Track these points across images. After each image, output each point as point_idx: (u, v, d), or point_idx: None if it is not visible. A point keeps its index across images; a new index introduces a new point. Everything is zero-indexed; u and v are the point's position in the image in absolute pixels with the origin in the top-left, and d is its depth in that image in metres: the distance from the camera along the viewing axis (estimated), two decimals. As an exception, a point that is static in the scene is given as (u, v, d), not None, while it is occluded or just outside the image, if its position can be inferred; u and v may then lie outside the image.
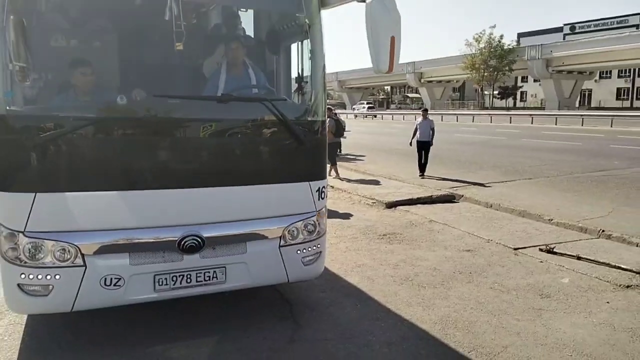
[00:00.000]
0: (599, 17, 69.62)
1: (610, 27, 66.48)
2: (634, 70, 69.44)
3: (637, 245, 6.92)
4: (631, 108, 64.68)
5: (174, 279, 3.78)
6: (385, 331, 4.36)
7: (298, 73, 4.52)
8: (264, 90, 4.56)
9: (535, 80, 72.41)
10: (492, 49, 64.92)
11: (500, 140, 24.15)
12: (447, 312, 4.77)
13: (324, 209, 4.42)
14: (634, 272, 5.76)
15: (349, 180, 12.57)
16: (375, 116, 58.78)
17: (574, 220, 8.17)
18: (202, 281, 3.87)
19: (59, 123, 3.44)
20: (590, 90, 75.67)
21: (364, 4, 3.80)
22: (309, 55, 4.28)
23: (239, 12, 4.82)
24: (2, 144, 3.42)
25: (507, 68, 65.54)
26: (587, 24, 69.63)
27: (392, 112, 69.44)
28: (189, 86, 4.25)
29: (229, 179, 3.91)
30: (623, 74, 72.44)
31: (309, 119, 4.26)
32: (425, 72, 76.66)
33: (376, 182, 12.32)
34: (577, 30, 70.12)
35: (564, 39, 68.26)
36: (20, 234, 3.41)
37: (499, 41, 65.48)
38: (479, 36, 66.66)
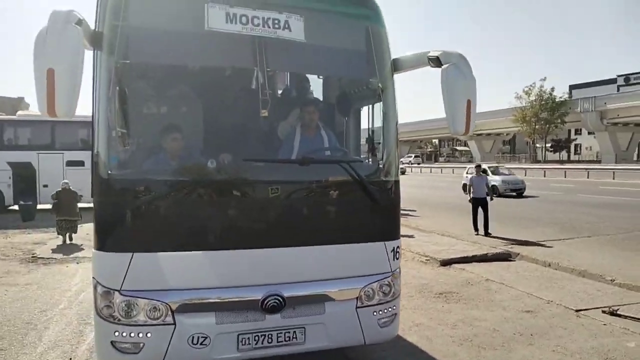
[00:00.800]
0: (655, 68, 68.04)
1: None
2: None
3: None
4: (695, 161, 61.65)
5: (256, 338, 3.80)
6: (448, 392, 4.43)
7: (372, 135, 4.64)
8: (340, 153, 4.77)
9: (589, 133, 70.67)
10: (543, 102, 64.28)
11: (556, 195, 23.66)
12: (510, 374, 4.78)
13: (398, 270, 4.40)
14: None
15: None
16: (420, 163, 59.82)
17: (637, 281, 7.96)
18: (282, 341, 3.88)
19: (155, 186, 3.63)
20: (649, 143, 72.96)
21: (439, 69, 3.92)
22: (382, 117, 4.40)
23: (318, 78, 5.15)
24: (104, 206, 3.62)
25: (559, 120, 64.48)
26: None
27: (440, 165, 69.13)
28: (270, 149, 4.38)
29: (309, 239, 3.98)
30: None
31: (384, 179, 4.30)
32: (475, 124, 76.26)
33: (429, 239, 12.36)
34: (631, 82, 68.57)
35: (618, 90, 66.81)
36: (116, 292, 3.55)
37: (550, 94, 64.86)
38: (529, 89, 66.38)
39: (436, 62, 3.96)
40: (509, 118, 66.21)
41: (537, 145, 73.18)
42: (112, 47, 3.53)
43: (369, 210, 4.18)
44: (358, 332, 4.14)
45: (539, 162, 65.07)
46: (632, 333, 5.83)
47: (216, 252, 3.76)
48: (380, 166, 4.36)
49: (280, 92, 4.99)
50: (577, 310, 6.72)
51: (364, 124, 4.88)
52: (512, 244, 11.47)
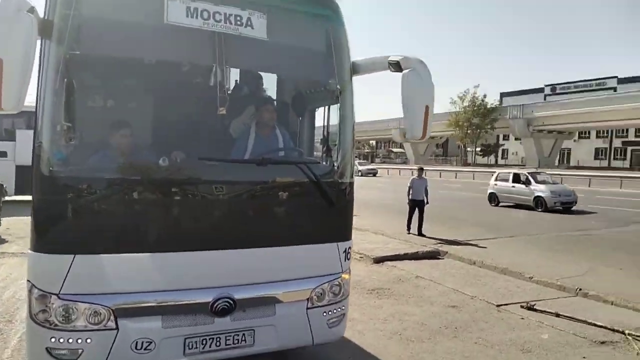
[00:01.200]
0: (579, 79, 72.76)
1: (590, 89, 69.45)
2: (612, 131, 72.12)
3: (611, 304, 7.31)
4: (609, 168, 66.67)
5: (204, 342, 3.70)
6: (377, 382, 4.63)
7: (328, 136, 4.58)
8: (296, 153, 4.71)
9: (516, 139, 74.64)
10: (475, 108, 67.23)
11: (483, 197, 24.85)
12: (434, 365, 5.06)
13: (348, 270, 4.40)
14: (608, 329, 6.13)
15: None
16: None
17: (553, 278, 8.57)
18: (230, 344, 3.80)
19: (101, 185, 3.44)
20: (569, 150, 78.07)
21: (399, 73, 3.90)
22: (339, 119, 4.34)
23: (277, 77, 5.06)
24: (45, 204, 3.40)
25: (489, 126, 67.74)
26: (568, 85, 72.73)
27: (378, 165, 70.62)
28: (226, 149, 4.22)
29: (261, 241, 3.90)
30: (601, 135, 75.10)
31: (339, 180, 4.26)
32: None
33: (363, 237, 12.68)
34: (557, 91, 73.05)
35: (545, 99, 71.02)
36: (54, 296, 3.33)
37: (482, 100, 67.99)
38: (463, 95, 69.23)
39: (396, 66, 3.96)
40: (443, 122, 68.73)
41: (468, 149, 76.47)
42: (62, 37, 3.30)
43: (323, 212, 4.16)
44: (307, 333, 4.13)
45: (469, 165, 67.95)
46: (546, 326, 6.30)
47: (164, 254, 3.60)
48: (336, 168, 4.31)
49: (238, 90, 4.92)
50: (498, 305, 7.17)
51: (320, 125, 4.84)
52: (442, 243, 11.99)
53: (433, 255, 10.67)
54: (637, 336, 5.88)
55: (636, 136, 71.54)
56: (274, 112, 4.49)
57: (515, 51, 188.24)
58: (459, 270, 9.46)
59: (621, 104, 55.53)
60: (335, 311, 4.28)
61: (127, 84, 4.33)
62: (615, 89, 65.08)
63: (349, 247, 4.42)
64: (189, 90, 4.49)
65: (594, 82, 70.20)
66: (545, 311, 6.81)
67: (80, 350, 3.39)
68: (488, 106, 68.19)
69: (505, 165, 67.17)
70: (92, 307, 3.38)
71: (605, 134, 74.49)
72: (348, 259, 4.38)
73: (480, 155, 79.34)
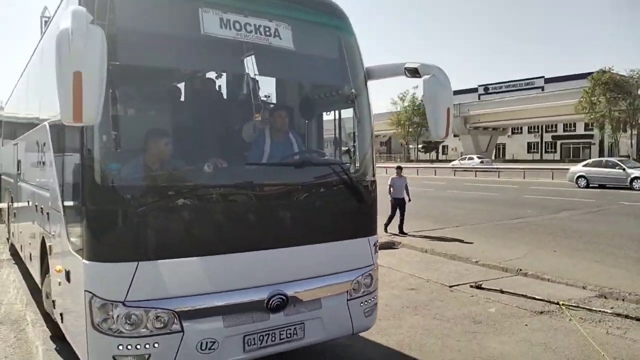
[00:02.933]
0: (509, 79, 76.60)
1: (519, 88, 73.21)
2: (542, 126, 76.56)
3: (548, 280, 8.29)
4: (541, 160, 70.85)
5: (261, 338, 3.87)
6: (356, 353, 5.26)
7: (354, 138, 4.79)
8: (326, 155, 5.06)
9: (455, 135, 77.71)
10: (415, 107, 69.53)
11: (428, 191, 26.06)
12: (402, 338, 5.77)
13: (377, 262, 4.74)
14: (545, 301, 7.05)
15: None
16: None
17: (496, 261, 9.52)
18: (285, 338, 3.99)
19: (156, 193, 3.56)
20: (504, 145, 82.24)
21: (416, 78, 4.23)
22: (357, 122, 4.65)
23: (297, 84, 5.33)
24: (103, 214, 3.45)
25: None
26: (499, 85, 76.39)
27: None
28: (266, 153, 4.36)
29: (306, 238, 4.15)
30: (533, 130, 79.52)
31: (368, 179, 4.60)
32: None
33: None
34: (490, 91, 76.50)
35: (479, 98, 74.37)
36: (119, 304, 3.36)
37: (421, 100, 70.17)
38: (403, 95, 71.44)
39: (413, 72, 4.24)
40: (386, 121, 70.63)
41: (411, 146, 78.91)
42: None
43: (355, 209, 4.48)
44: (348, 322, 4.41)
45: (412, 161, 70.21)
46: (492, 301, 7.15)
47: (220, 257, 3.74)
48: (363, 167, 4.65)
49: (269, 97, 5.14)
50: (450, 286, 7.99)
51: (343, 128, 5.08)
52: (396, 234, 12.79)
53: (389, 246, 11.44)
54: (569, 306, 6.82)
55: (564, 131, 76.39)
56: (295, 118, 4.79)
57: (451, 52, 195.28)
58: (414, 258, 10.31)
59: (549, 101, 59.43)
60: (370, 301, 4.60)
61: (169, 93, 4.54)
62: (542, 88, 69.10)
63: (377, 241, 4.74)
64: (225, 98, 4.77)
65: (523, 82, 74.11)
66: (491, 289, 7.67)
67: (146, 355, 3.46)
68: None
69: (446, 161, 69.88)
70: (157, 312, 3.45)
71: (536, 130, 79.00)
72: (376, 252, 4.70)
73: (422, 151, 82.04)
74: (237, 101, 4.71)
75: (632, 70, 52.56)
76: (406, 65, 4.29)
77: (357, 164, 4.69)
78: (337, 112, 5.04)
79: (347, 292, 4.36)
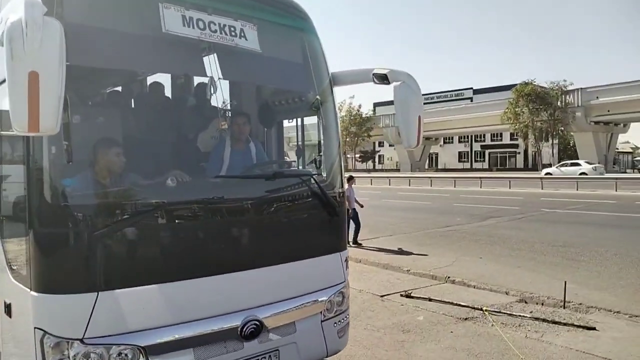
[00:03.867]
0: (440, 90, 79.73)
1: (449, 99, 76.41)
2: (471, 136, 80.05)
3: (474, 287, 8.64)
4: (471, 169, 73.95)
5: None
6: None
7: (321, 147, 4.47)
8: (292, 166, 4.72)
9: (390, 145, 79.77)
10: (352, 117, 70.81)
11: (363, 200, 26.44)
12: (332, 350, 5.78)
13: (348, 278, 4.45)
14: (470, 307, 7.33)
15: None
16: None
17: (426, 269, 9.81)
18: None
19: (119, 211, 3.13)
20: (436, 154, 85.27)
21: (391, 85, 3.94)
22: (323, 129, 4.36)
23: (262, 89, 4.92)
24: (59, 239, 2.96)
25: (366, 134, 71.76)
26: (431, 95, 79.29)
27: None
28: (223, 165, 4.01)
29: (278, 257, 3.78)
30: (463, 140, 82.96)
31: (336, 190, 4.27)
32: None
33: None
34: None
35: (411, 108, 76.52)
36: (76, 342, 2.89)
37: (358, 110, 71.82)
38: (340, 105, 72.48)
39: (381, 79, 4.00)
40: (323, 131, 71.22)
41: (348, 155, 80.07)
42: None
43: (327, 223, 4.17)
44: (322, 345, 4.09)
45: (349, 170, 71.24)
46: (421, 309, 7.35)
47: (189, 282, 3.30)
48: (332, 178, 4.32)
49: (233, 103, 4.66)
50: (381, 296, 8.14)
51: (307, 136, 4.82)
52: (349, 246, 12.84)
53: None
54: (492, 311, 7.12)
55: (492, 140, 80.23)
56: (248, 125, 4.37)
57: (382, 61, 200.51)
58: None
59: (477, 112, 62.27)
60: (342, 321, 4.29)
61: (126, 96, 4.16)
62: (471, 99, 72.46)
63: (347, 256, 4.46)
64: (188, 104, 4.40)
65: (453, 92, 77.39)
66: (420, 297, 7.88)
67: None
68: (363, 115, 72.25)
69: (382, 170, 71.50)
70: (120, 349, 3.00)
71: (466, 139, 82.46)
72: (347, 268, 4.41)
73: (360, 161, 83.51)
74: (200, 107, 4.35)
75: (552, 82, 56.19)
76: (374, 71, 4.05)
77: (325, 175, 4.37)
78: (301, 119, 4.77)
79: (320, 312, 4.06)
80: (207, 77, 3.89)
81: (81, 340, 2.91)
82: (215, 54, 3.75)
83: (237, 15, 3.73)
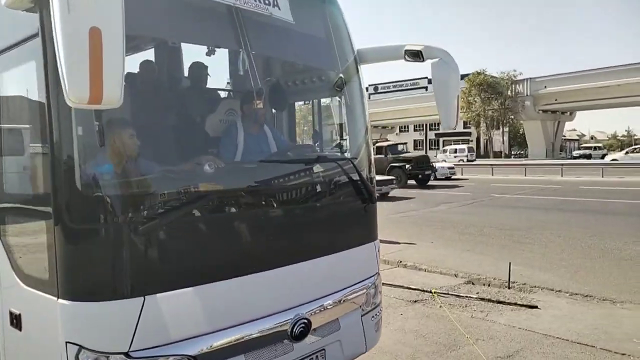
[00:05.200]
0: (397, 80, 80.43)
1: (406, 88, 77.20)
2: (426, 125, 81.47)
3: (425, 270, 8.83)
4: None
5: None
6: None
7: (352, 128, 4.16)
8: (332, 150, 4.29)
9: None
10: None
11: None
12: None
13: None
14: (420, 290, 7.50)
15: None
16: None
17: (380, 255, 9.91)
18: None
19: (156, 202, 2.69)
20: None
21: (418, 62, 3.69)
22: (351, 110, 4.08)
23: (290, 65, 4.47)
24: (97, 237, 2.51)
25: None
26: (387, 85, 79.91)
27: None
28: (266, 148, 3.66)
29: (321, 249, 3.46)
30: (418, 128, 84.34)
31: (371, 176, 3.98)
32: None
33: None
34: (379, 90, 79.80)
35: (369, 98, 77.26)
36: (121, 357, 2.45)
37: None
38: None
39: (414, 56, 3.69)
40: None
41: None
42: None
43: (364, 210, 3.85)
44: (362, 341, 3.80)
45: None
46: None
47: (238, 279, 2.93)
48: (366, 162, 3.95)
49: (263, 80, 4.04)
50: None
51: (333, 118, 4.45)
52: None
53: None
54: (440, 293, 7.31)
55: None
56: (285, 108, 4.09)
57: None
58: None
59: (431, 101, 63.05)
60: (378, 314, 4.01)
61: (159, 68, 3.71)
62: (426, 89, 73.58)
63: (379, 245, 4.15)
64: (227, 80, 4.02)
65: (409, 82, 78.23)
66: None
67: None
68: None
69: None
70: None
71: (421, 128, 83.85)
72: (379, 258, 4.13)
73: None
74: (236, 84, 3.92)
75: (502, 72, 57.85)
76: (407, 47, 3.71)
77: (360, 159, 3.92)
78: (333, 98, 4.37)
79: (360, 306, 3.75)
80: (244, 51, 3.31)
81: (126, 355, 2.47)
82: (245, 25, 3.24)
83: None
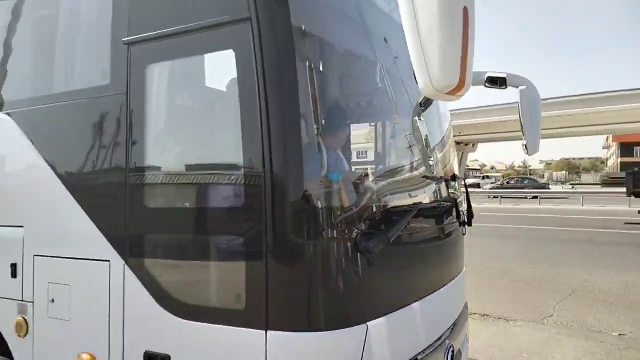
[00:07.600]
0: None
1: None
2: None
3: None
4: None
5: None
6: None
7: (449, 150, 4.01)
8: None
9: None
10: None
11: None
12: None
13: None
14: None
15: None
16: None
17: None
18: None
19: (385, 217, 2.49)
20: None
21: (501, 90, 3.64)
22: (449, 132, 3.98)
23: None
24: (326, 260, 2.13)
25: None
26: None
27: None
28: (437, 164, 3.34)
29: (458, 267, 3.52)
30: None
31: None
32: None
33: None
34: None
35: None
36: None
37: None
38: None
39: (495, 83, 3.57)
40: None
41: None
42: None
43: (463, 233, 3.75)
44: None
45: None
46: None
47: (431, 297, 2.82)
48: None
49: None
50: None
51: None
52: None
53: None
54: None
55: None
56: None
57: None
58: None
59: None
60: (467, 335, 3.82)
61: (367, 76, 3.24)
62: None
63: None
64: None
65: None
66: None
67: None
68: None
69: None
70: None
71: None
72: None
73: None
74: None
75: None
76: (489, 74, 3.59)
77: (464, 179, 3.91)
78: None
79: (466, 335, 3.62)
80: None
81: None
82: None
83: None
